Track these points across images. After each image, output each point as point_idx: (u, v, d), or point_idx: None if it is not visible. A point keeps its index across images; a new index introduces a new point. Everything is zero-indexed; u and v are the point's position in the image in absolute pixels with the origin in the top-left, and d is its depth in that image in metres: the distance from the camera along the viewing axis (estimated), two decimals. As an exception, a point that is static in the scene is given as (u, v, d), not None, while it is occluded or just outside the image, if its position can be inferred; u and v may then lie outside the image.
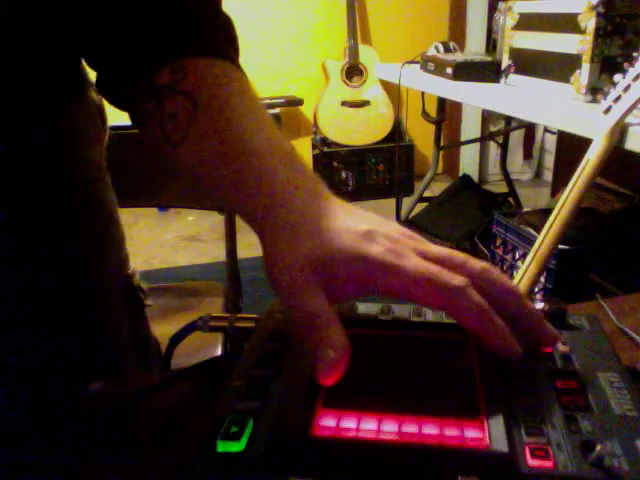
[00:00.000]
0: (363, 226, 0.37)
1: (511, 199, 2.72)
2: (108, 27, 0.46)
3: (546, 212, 1.63)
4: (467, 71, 1.89)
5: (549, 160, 3.56)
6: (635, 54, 1.25)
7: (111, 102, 0.48)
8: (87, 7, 0.46)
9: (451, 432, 0.31)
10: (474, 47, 3.34)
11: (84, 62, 0.51)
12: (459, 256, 0.38)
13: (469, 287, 0.35)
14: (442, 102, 2.55)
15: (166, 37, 0.45)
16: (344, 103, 3.38)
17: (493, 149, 3.63)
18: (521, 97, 1.68)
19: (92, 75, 0.58)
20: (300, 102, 3.39)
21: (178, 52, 0.44)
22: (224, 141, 0.42)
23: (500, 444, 0.30)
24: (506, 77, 1.82)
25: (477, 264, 0.37)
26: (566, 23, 1.52)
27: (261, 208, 0.39)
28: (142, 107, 0.44)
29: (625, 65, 1.24)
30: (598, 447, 0.29)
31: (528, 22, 1.73)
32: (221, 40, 0.47)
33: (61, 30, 0.48)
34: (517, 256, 1.87)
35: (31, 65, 0.49)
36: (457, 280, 0.35)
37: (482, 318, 0.35)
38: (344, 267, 0.36)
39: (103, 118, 0.61)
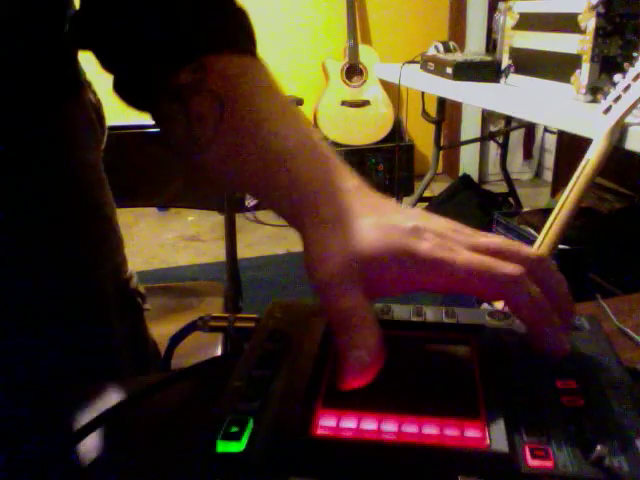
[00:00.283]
0: (410, 222, 0.36)
1: (511, 199, 2.72)
2: (124, 28, 0.44)
3: (546, 212, 1.63)
4: (467, 71, 1.89)
5: (549, 160, 3.56)
6: (635, 54, 1.26)
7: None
8: (104, 8, 0.45)
9: (451, 432, 0.31)
10: (474, 47, 3.34)
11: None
12: (511, 245, 0.37)
13: (523, 276, 0.35)
14: (442, 102, 2.55)
15: (183, 35, 0.43)
16: (344, 103, 3.38)
17: (493, 149, 3.63)
18: (521, 97, 1.68)
19: (90, 76, 0.58)
20: (300, 102, 3.38)
21: (197, 50, 0.42)
22: (254, 139, 0.40)
23: (500, 444, 0.30)
24: (506, 77, 1.82)
25: (531, 252, 0.36)
26: (566, 23, 1.52)
27: (300, 206, 0.38)
28: (165, 109, 0.43)
29: (625, 65, 1.24)
30: (598, 447, 0.29)
31: (528, 22, 1.73)
32: (238, 33, 0.45)
33: (61, 30, 0.48)
34: (517, 256, 1.86)
35: (31, 65, 0.50)
36: (510, 269, 0.34)
37: (536, 308, 0.35)
38: (391, 264, 0.35)
39: (101, 119, 0.61)
